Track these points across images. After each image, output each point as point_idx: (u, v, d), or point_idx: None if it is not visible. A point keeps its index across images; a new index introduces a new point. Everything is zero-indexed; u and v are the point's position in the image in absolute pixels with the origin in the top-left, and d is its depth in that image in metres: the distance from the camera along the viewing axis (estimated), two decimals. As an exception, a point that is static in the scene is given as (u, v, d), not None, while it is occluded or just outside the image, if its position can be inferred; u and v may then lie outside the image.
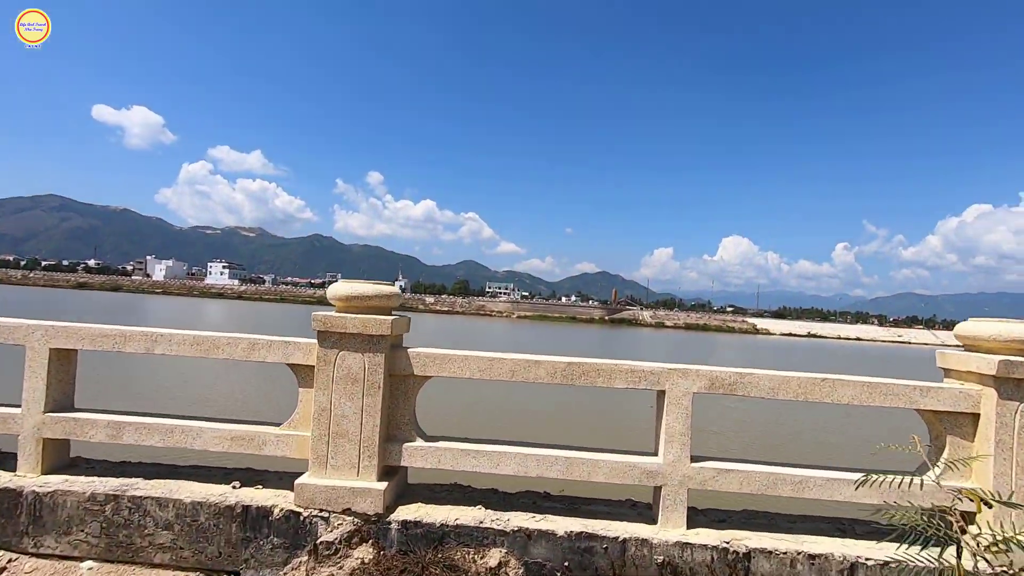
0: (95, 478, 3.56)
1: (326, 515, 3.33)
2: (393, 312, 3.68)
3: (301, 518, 3.33)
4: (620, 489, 4.18)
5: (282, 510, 3.34)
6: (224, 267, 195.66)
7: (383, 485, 3.37)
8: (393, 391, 3.58)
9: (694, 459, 3.44)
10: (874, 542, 3.36)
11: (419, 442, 3.53)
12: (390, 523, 3.31)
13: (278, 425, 3.64)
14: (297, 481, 3.38)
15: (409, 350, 3.54)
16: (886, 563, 3.15)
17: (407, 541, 3.28)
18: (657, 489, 3.46)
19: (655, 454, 3.57)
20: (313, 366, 3.49)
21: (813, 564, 3.18)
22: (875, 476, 2.08)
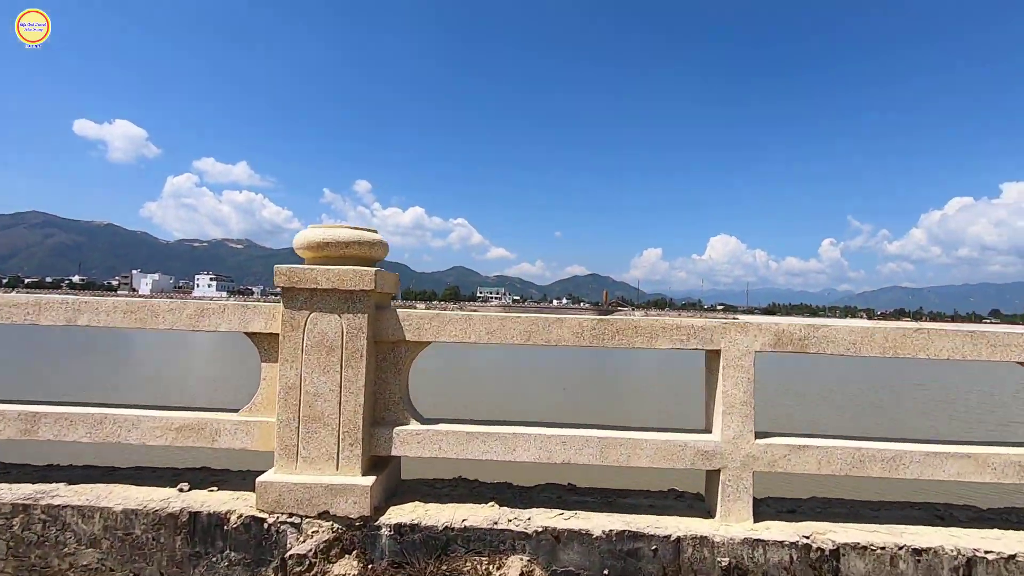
0: (2, 484, 2.81)
1: (297, 521, 2.60)
2: (378, 265, 2.97)
3: (265, 526, 2.60)
4: (659, 479, 3.50)
5: (241, 516, 2.61)
6: (212, 279, 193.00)
7: (369, 480, 2.65)
8: (380, 362, 2.86)
9: (758, 435, 2.76)
10: (988, 530, 2.69)
11: (414, 425, 2.82)
12: (379, 528, 2.59)
13: (237, 411, 2.91)
14: (259, 479, 2.65)
15: (399, 310, 2.83)
16: (1012, 556, 2.48)
17: (402, 550, 2.57)
18: (713, 474, 2.77)
19: (708, 431, 2.89)
20: (278, 334, 2.77)
21: (919, 561, 2.50)
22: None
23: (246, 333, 2.87)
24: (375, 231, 2.96)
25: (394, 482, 3.01)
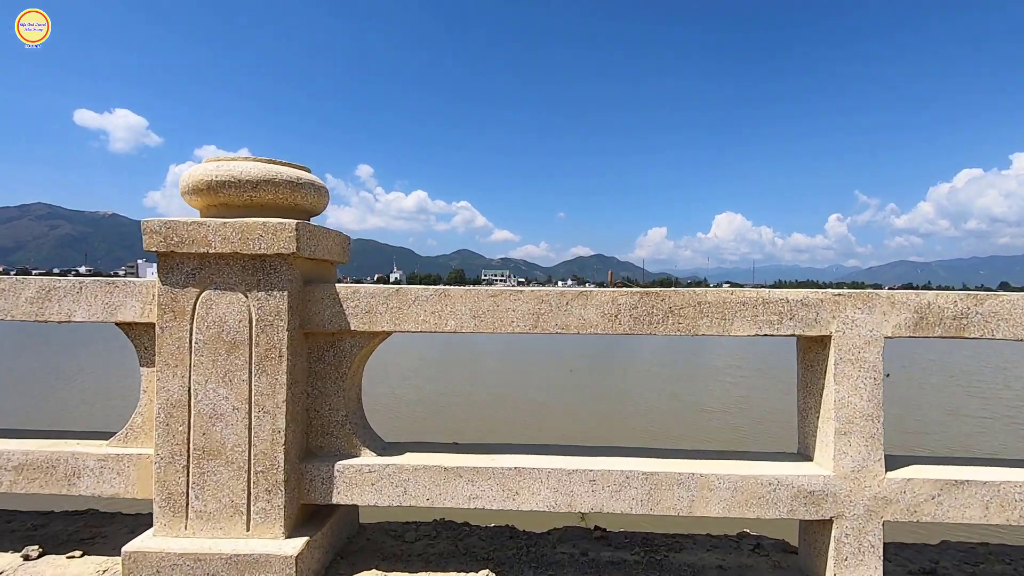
0: None
1: (185, 611, 1.69)
2: (312, 221, 2.02)
3: (137, 619, 1.69)
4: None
5: (101, 604, 1.70)
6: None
7: (297, 546, 1.73)
8: (313, 364, 1.93)
9: (889, 462, 1.82)
10: None
11: (367, 457, 1.89)
12: (312, 620, 1.68)
13: (109, 437, 1.99)
14: (127, 547, 1.73)
15: (342, 286, 1.88)
16: None
17: (345, 656, 1.65)
18: (818, 525, 1.84)
19: (806, 457, 1.95)
20: (155, 324, 1.83)
21: None
22: None
23: (118, 324, 1.94)
24: (307, 169, 2.01)
25: (343, 536, 2.09)
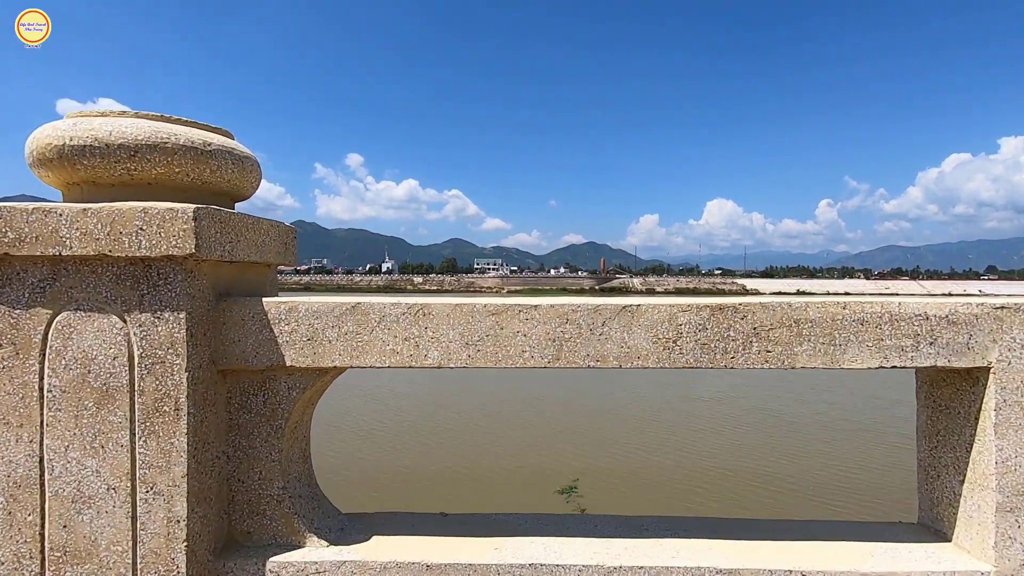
0: None
1: None
2: (235, 206, 1.43)
3: None
4: None
5: None
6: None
7: None
8: (235, 416, 1.34)
9: (1067, 549, 1.27)
10: None
11: (315, 547, 1.31)
12: None
13: None
14: None
15: (273, 301, 1.29)
16: None
17: None
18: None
19: (940, 534, 1.39)
20: (-3, 360, 1.23)
21: None
22: None
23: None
24: (228, 134, 1.41)
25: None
